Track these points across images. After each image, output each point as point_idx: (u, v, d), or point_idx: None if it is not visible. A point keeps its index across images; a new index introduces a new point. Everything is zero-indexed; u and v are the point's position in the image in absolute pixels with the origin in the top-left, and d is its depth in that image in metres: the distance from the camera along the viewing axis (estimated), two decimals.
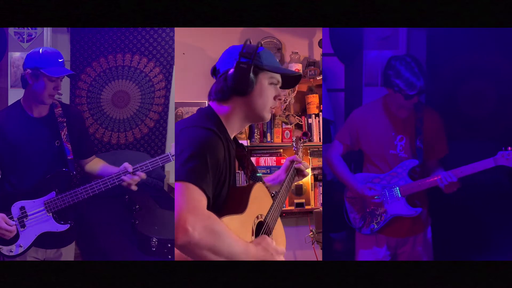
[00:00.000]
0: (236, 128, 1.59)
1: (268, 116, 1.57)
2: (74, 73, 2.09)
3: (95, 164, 2.27)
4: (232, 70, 1.50)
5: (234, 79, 1.49)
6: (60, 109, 2.15)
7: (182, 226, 1.24)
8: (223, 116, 1.54)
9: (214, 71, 1.59)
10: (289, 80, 1.65)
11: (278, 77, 1.58)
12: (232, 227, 1.40)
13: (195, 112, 1.63)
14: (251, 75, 1.49)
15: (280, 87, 1.62)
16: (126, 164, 2.10)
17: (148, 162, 2.11)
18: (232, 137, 1.59)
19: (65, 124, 2.12)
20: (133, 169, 2.09)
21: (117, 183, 2.09)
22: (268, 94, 1.55)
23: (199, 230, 1.26)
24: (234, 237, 1.37)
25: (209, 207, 1.38)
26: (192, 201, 1.30)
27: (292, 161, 1.91)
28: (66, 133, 2.11)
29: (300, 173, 1.93)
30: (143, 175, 2.10)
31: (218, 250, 1.30)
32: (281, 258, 1.53)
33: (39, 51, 2.05)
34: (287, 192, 1.83)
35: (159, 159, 2.12)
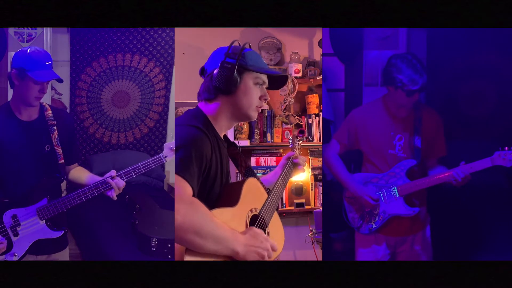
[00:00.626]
0: (225, 127, 1.64)
1: (254, 115, 1.63)
2: (60, 78, 2.01)
3: (79, 173, 2.18)
4: (217, 70, 1.56)
5: (218, 78, 1.55)
6: (50, 112, 2.07)
7: None
8: (210, 116, 1.60)
9: (202, 71, 1.65)
10: (277, 81, 1.69)
11: (263, 77, 1.63)
12: (223, 219, 1.44)
13: None
14: (235, 74, 1.55)
15: (268, 88, 1.67)
16: (112, 171, 2.04)
17: (141, 164, 2.06)
18: (222, 135, 1.64)
19: (55, 128, 2.05)
20: (116, 175, 2.02)
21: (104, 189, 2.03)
22: (253, 93, 1.61)
23: (182, 214, 1.35)
24: (219, 222, 1.43)
25: (203, 197, 1.46)
26: (176, 189, 1.39)
27: (288, 158, 1.95)
28: (56, 137, 2.05)
29: (297, 167, 1.96)
30: (121, 184, 2.01)
31: (204, 233, 1.37)
32: (270, 247, 1.54)
33: (26, 51, 1.97)
34: (282, 187, 1.85)
35: (151, 161, 2.07)
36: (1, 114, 2.03)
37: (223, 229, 1.43)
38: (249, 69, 1.58)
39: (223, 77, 1.55)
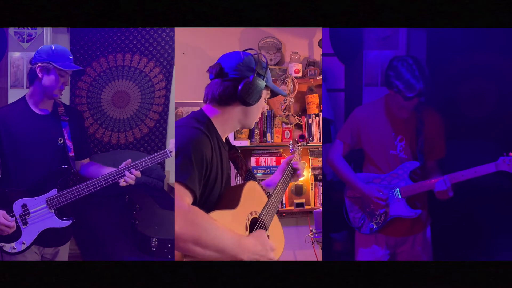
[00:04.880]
0: (228, 131, 1.67)
1: (253, 125, 1.72)
2: (83, 69, 2.19)
3: (91, 166, 2.28)
4: (248, 82, 1.56)
5: (249, 91, 1.57)
6: (63, 108, 2.20)
7: None
8: (215, 118, 1.61)
9: (222, 73, 1.60)
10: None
11: (269, 92, 1.71)
12: (223, 221, 1.44)
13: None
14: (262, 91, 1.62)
15: None
16: (129, 161, 2.13)
17: (148, 159, 2.13)
18: (223, 138, 1.65)
19: (67, 123, 2.17)
20: (129, 166, 2.11)
21: (118, 180, 2.10)
22: (263, 107, 1.70)
23: (179, 224, 1.34)
24: (222, 230, 1.42)
25: (196, 202, 1.44)
26: (175, 197, 1.39)
27: (288, 163, 1.96)
28: (68, 131, 2.16)
29: (295, 174, 1.97)
30: (138, 174, 2.11)
31: (203, 242, 1.37)
32: (271, 258, 1.58)
33: (51, 47, 2.12)
34: (282, 191, 1.86)
35: (158, 155, 2.14)
36: (17, 107, 2.15)
37: (227, 237, 1.42)
38: (269, 87, 1.66)
39: (253, 92, 1.57)
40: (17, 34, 3.27)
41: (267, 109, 3.44)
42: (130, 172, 2.09)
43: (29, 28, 3.25)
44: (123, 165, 2.12)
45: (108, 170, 2.15)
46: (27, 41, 3.30)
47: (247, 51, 1.65)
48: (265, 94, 1.67)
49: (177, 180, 1.40)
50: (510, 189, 2.41)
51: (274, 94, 1.74)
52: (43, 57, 2.09)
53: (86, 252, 3.05)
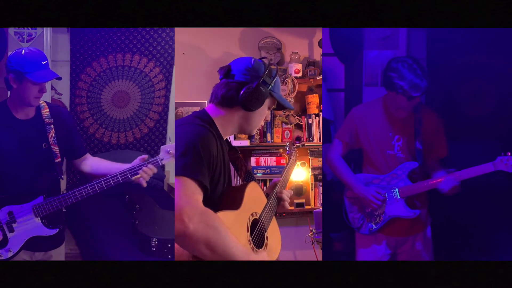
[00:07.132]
0: (228, 133, 1.66)
1: (254, 132, 1.71)
2: (58, 76, 2.02)
3: (94, 162, 2.21)
4: (251, 87, 1.56)
5: (250, 96, 1.56)
6: (47, 110, 2.08)
7: (179, 216, 1.31)
8: (218, 119, 1.61)
9: (228, 74, 1.61)
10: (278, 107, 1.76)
11: (275, 103, 1.69)
12: (227, 222, 1.44)
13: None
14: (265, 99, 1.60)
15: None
16: (144, 157, 2.05)
17: (137, 166, 2.05)
18: (224, 139, 1.65)
19: (52, 126, 2.07)
20: (130, 169, 2.05)
21: (105, 188, 2.02)
22: (265, 115, 1.68)
23: (195, 222, 1.32)
24: (233, 239, 1.40)
25: (207, 198, 1.43)
26: (188, 194, 1.36)
27: (273, 187, 1.86)
28: (53, 135, 2.06)
29: (280, 204, 1.84)
30: (154, 169, 2.05)
31: (213, 246, 1.35)
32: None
33: (21, 53, 1.97)
34: (272, 214, 1.77)
35: (148, 163, 2.07)
36: None
37: (236, 248, 1.41)
38: (275, 97, 1.64)
39: (255, 98, 1.57)
40: (17, 34, 3.27)
41: None
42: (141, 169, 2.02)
43: (29, 28, 3.25)
44: (137, 161, 2.05)
45: (120, 166, 2.07)
46: (27, 41, 3.30)
47: (260, 59, 1.65)
48: (270, 103, 1.66)
49: (188, 175, 1.38)
50: (509, 189, 2.41)
51: (280, 106, 1.71)
52: (14, 66, 1.95)
53: (85, 252, 3.05)
